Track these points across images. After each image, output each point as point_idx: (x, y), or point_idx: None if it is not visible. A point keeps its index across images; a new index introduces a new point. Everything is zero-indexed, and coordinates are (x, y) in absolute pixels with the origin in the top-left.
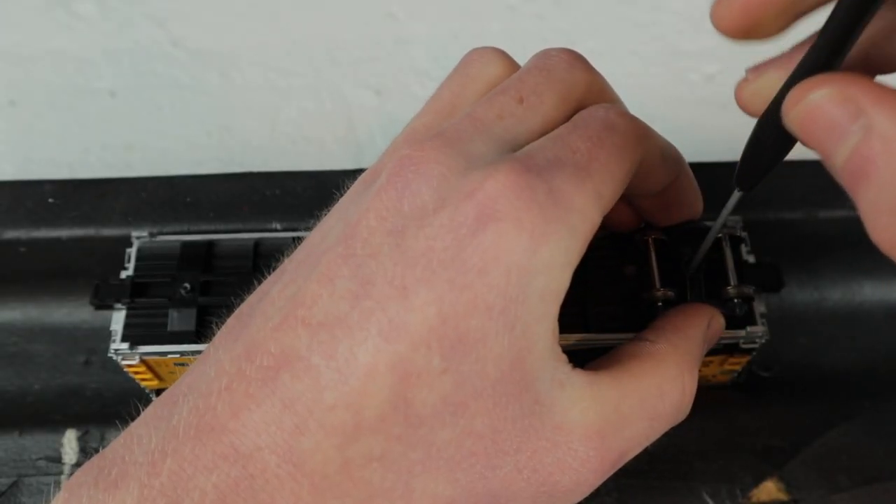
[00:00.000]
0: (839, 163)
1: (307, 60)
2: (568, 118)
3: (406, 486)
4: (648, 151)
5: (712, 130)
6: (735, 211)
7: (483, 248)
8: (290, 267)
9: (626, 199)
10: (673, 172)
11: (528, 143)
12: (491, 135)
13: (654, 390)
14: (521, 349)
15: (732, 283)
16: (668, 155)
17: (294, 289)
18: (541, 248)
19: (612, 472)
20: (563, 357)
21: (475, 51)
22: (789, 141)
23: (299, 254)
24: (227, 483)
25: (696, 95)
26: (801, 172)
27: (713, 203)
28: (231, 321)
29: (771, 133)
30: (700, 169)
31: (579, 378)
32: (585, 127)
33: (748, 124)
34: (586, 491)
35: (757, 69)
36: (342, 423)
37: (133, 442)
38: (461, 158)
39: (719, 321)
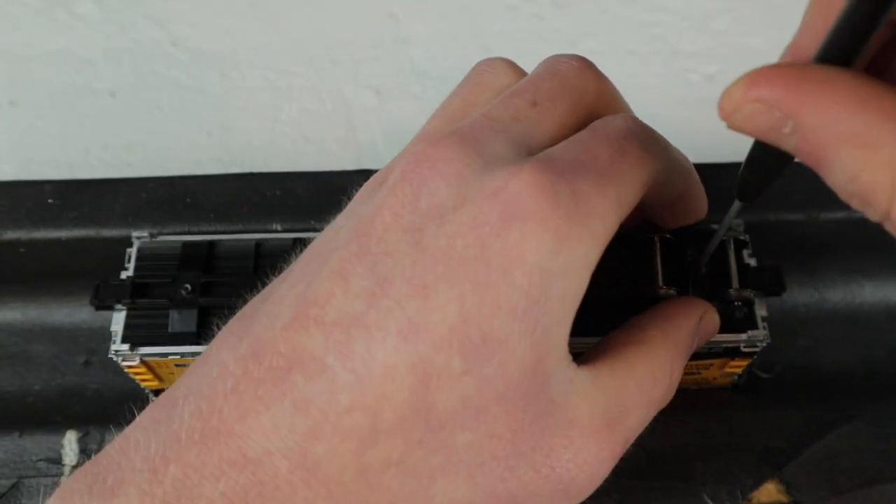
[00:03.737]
0: (791, 150)
1: (307, 60)
2: (579, 125)
3: (426, 492)
4: (665, 162)
5: (712, 131)
6: (736, 214)
7: (507, 248)
8: (297, 266)
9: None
10: (685, 183)
11: (541, 147)
12: (507, 135)
13: (648, 378)
14: (541, 351)
15: (734, 286)
16: (682, 166)
17: (303, 287)
18: (563, 250)
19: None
20: (570, 356)
21: (485, 61)
22: (788, 158)
23: (307, 254)
24: (235, 490)
25: (696, 96)
26: (801, 174)
27: (715, 204)
28: (233, 322)
29: (770, 151)
30: (700, 170)
31: (584, 374)
32: (606, 134)
33: None
34: (597, 484)
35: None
36: (359, 426)
37: (129, 447)
38: (479, 157)
39: (713, 318)
